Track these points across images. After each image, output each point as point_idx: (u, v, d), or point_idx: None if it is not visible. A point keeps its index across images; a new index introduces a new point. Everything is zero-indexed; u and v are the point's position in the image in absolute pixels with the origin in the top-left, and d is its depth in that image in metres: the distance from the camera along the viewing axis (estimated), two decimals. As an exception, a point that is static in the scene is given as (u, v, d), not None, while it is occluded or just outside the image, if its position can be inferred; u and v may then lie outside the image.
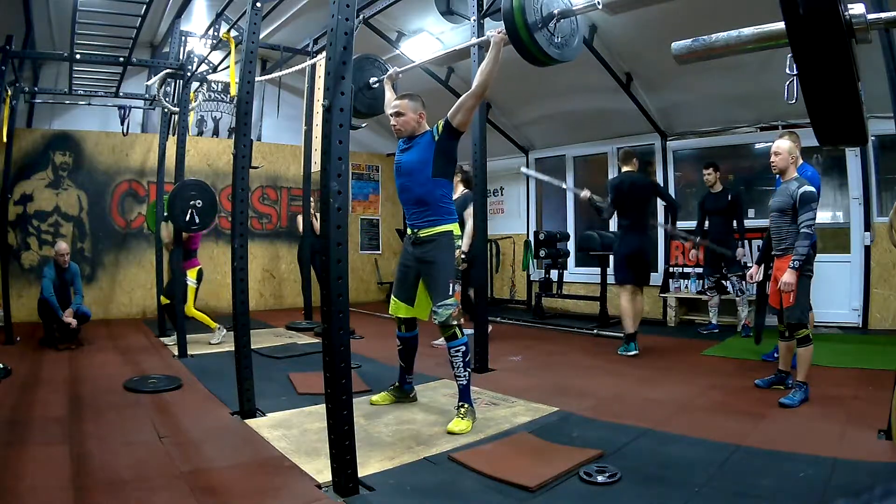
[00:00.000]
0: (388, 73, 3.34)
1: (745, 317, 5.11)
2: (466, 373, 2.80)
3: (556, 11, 2.45)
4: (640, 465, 2.22)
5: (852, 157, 5.27)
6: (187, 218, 4.44)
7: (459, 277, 2.90)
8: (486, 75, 2.68)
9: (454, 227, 2.89)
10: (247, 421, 2.82)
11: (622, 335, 4.62)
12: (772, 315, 3.50)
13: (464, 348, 2.80)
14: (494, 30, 2.64)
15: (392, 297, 3.05)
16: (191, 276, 4.96)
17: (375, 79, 3.44)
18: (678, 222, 6.45)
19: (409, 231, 2.96)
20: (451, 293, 2.77)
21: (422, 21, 6.12)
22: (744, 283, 5.02)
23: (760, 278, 3.54)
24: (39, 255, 6.31)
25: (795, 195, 3.04)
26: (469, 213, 4.44)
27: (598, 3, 2.42)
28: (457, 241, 2.89)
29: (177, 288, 4.71)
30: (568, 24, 2.56)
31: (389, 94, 3.31)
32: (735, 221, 5.12)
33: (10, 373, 3.68)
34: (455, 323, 2.79)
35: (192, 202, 4.46)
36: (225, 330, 5.06)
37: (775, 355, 4.01)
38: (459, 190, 4.76)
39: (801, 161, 3.81)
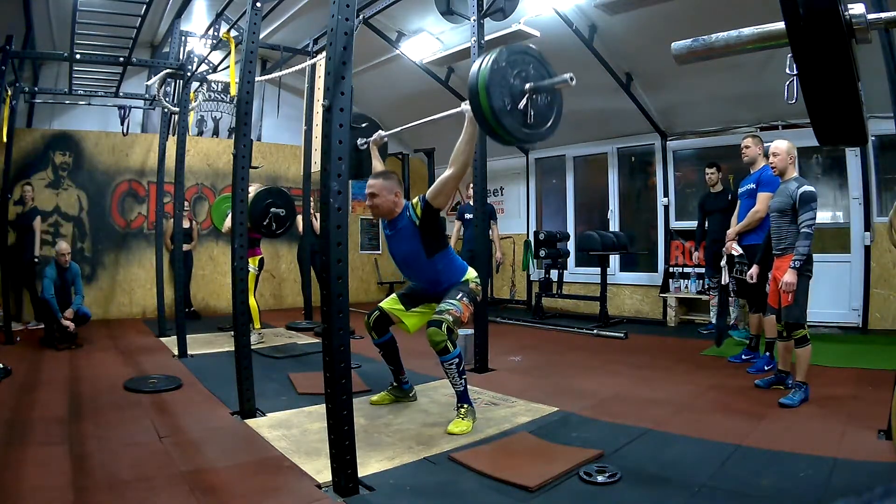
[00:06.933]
0: (373, 137, 3.33)
1: (735, 318, 5.11)
2: (462, 380, 2.78)
3: (527, 87, 2.20)
4: (640, 465, 2.22)
5: (852, 157, 5.26)
6: (265, 222, 4.78)
7: (472, 300, 2.86)
8: (465, 155, 2.61)
9: (468, 276, 2.90)
10: (247, 421, 2.82)
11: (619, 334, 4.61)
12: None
13: (457, 360, 2.74)
14: (468, 103, 2.44)
15: (394, 294, 3.06)
16: (252, 263, 4.94)
17: (363, 140, 3.43)
18: (679, 223, 6.50)
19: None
20: (458, 298, 2.77)
21: (422, 21, 6.13)
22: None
23: (754, 280, 3.55)
24: (39, 255, 6.30)
25: (795, 195, 3.04)
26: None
27: (571, 78, 2.18)
28: (472, 282, 2.89)
29: (177, 281, 4.78)
30: (543, 100, 2.30)
31: (376, 162, 3.33)
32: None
33: (10, 373, 3.69)
34: (450, 319, 2.69)
35: (272, 209, 4.78)
36: (259, 336, 5.09)
37: (743, 357, 4.06)
38: None
39: (763, 162, 3.84)
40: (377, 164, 3.34)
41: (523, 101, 2.21)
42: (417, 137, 8.26)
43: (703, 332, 5.47)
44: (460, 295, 2.79)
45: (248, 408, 2.90)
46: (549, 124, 2.36)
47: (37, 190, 6.38)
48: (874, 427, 2.50)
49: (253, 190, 4.81)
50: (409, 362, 3.24)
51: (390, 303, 3.01)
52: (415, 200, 2.81)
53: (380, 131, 3.38)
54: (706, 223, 5.16)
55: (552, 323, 6.29)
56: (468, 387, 2.82)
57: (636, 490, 2.01)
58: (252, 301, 4.96)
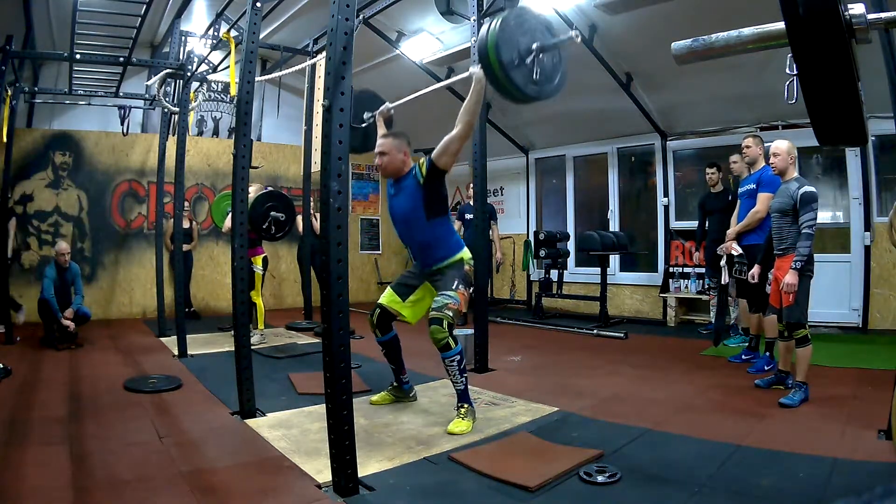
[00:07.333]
0: (380, 109, 3.33)
1: (735, 317, 5.09)
2: (463, 378, 2.78)
3: (534, 46, 2.33)
4: (640, 465, 2.22)
5: (852, 157, 5.26)
6: (265, 226, 4.77)
7: (468, 284, 2.87)
8: (471, 115, 2.64)
9: (463, 255, 2.89)
10: (247, 421, 2.82)
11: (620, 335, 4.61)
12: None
13: (458, 357, 2.76)
14: (477, 65, 2.54)
15: (389, 287, 3.06)
16: (256, 263, 4.97)
17: (369, 114, 3.44)
18: (679, 223, 6.50)
19: (420, 266, 2.97)
20: (453, 287, 2.77)
21: (422, 21, 6.12)
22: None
23: (756, 280, 3.55)
24: (39, 255, 6.31)
25: (796, 196, 3.04)
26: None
27: (577, 35, 2.31)
28: (466, 264, 2.89)
29: (177, 281, 4.73)
30: (549, 60, 2.42)
31: (382, 132, 3.31)
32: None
33: (10, 373, 3.68)
34: (450, 314, 2.71)
35: (272, 213, 4.77)
36: (260, 336, 5.08)
37: (743, 357, 4.06)
38: None
39: (763, 162, 3.84)
40: (383, 133, 3.33)
41: (531, 58, 2.31)
42: (417, 137, 8.25)
43: (702, 332, 5.47)
44: (455, 283, 2.79)
45: (248, 408, 2.90)
46: (555, 83, 2.47)
47: (37, 190, 6.40)
48: (874, 427, 2.50)
49: (253, 191, 4.81)
50: (409, 362, 3.23)
51: (388, 297, 3.01)
52: (421, 160, 2.81)
53: (387, 103, 3.37)
54: (706, 223, 5.16)
55: (552, 323, 6.28)
56: (468, 386, 2.82)
57: (636, 490, 2.01)
58: (259, 301, 4.97)
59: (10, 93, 5.26)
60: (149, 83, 5.73)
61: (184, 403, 3.16)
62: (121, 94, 6.17)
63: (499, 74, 2.28)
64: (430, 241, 2.85)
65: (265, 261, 5.17)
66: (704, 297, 5.83)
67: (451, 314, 2.71)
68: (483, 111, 4.17)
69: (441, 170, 2.75)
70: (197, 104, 5.66)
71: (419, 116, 6.07)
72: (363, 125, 3.45)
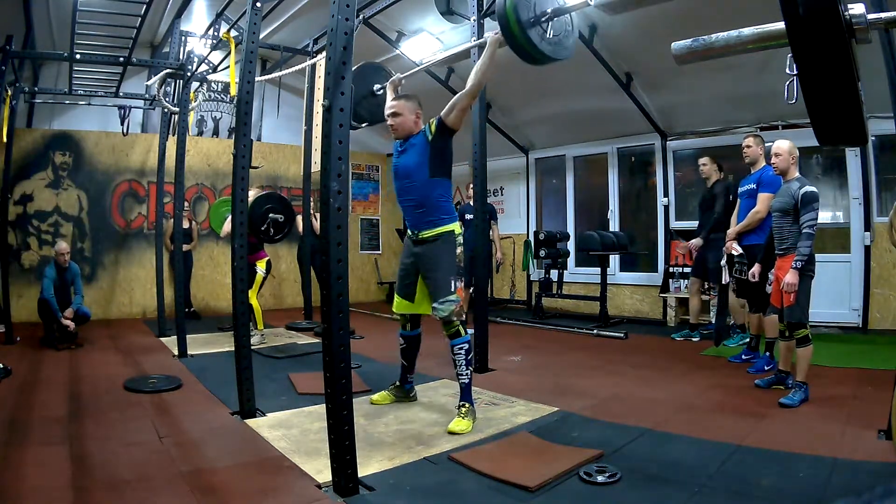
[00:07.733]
0: (392, 79, 3.33)
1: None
2: (468, 371, 2.80)
3: (549, 10, 2.51)
4: (640, 465, 2.22)
5: (852, 157, 5.26)
6: (263, 227, 4.77)
7: (462, 274, 2.88)
8: (481, 75, 2.69)
9: (454, 227, 2.88)
10: (247, 421, 2.82)
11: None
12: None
13: (466, 346, 2.80)
14: (492, 31, 2.66)
15: (395, 293, 3.07)
16: (260, 266, 5.04)
17: (379, 85, 3.46)
18: (679, 223, 6.49)
19: (409, 232, 2.96)
20: (452, 289, 2.78)
21: (422, 21, 6.12)
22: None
23: (756, 278, 3.55)
24: (39, 255, 6.31)
25: (797, 196, 3.04)
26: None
27: (591, 0, 2.50)
28: (458, 240, 2.88)
29: (177, 281, 4.72)
30: (562, 24, 2.60)
31: (392, 96, 3.31)
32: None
33: (10, 373, 3.69)
34: (457, 320, 2.79)
35: (271, 215, 4.79)
36: (261, 336, 5.09)
37: (743, 357, 4.06)
38: None
39: (764, 162, 3.84)
40: None
41: (545, 19, 2.52)
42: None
43: (703, 332, 5.46)
44: (452, 283, 2.78)
45: (248, 408, 2.90)
46: (566, 46, 2.65)
47: (37, 190, 6.40)
48: (874, 427, 2.50)
49: (252, 194, 4.81)
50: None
51: (405, 305, 3.00)
52: (431, 120, 2.84)
53: (398, 74, 3.38)
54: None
55: (552, 323, 6.28)
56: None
57: (636, 490, 2.01)
58: (255, 302, 4.97)
59: (10, 93, 5.26)
60: (149, 83, 5.73)
61: (184, 403, 3.16)
62: (121, 94, 6.18)
63: (516, 31, 2.44)
64: (426, 202, 2.82)
65: (268, 264, 5.19)
66: (705, 297, 5.81)
67: (457, 319, 2.78)
68: (483, 111, 4.17)
69: (450, 128, 2.78)
70: (197, 104, 5.66)
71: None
72: (374, 95, 3.49)
